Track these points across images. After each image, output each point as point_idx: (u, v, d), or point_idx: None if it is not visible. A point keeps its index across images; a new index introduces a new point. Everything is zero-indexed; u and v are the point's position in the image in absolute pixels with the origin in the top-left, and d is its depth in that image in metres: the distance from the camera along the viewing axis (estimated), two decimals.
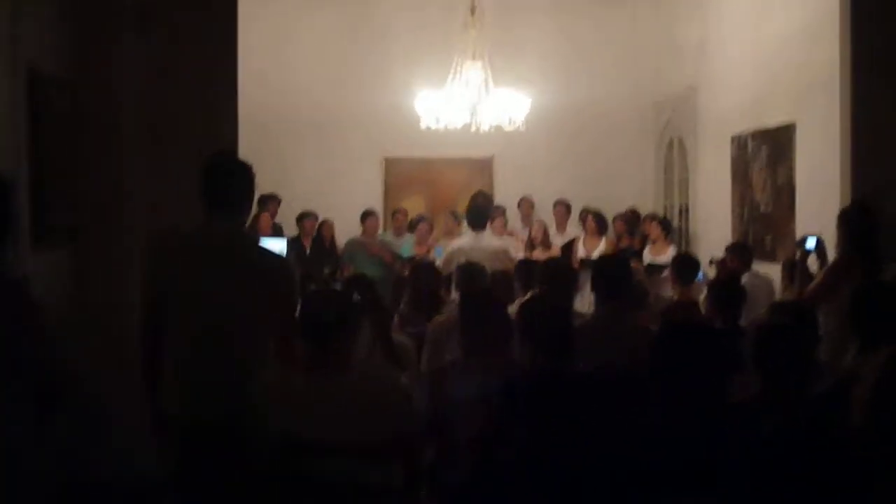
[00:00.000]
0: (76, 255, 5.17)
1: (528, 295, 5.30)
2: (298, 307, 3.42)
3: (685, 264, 6.83)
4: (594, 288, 5.07)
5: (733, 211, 9.56)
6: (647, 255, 9.96)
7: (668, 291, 8.03)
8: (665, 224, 10.33)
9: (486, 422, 3.43)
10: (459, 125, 9.46)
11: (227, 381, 3.55)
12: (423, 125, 9.58)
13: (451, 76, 9.27)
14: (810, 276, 5.79)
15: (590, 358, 4.13)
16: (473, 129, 9.53)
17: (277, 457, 3.20)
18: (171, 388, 3.66)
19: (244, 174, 3.79)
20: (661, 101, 11.49)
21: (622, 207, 11.10)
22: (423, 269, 6.33)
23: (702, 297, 6.10)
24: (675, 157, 11.39)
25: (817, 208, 7.90)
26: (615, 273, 4.96)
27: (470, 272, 6.13)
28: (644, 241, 10.42)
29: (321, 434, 3.16)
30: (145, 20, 5.29)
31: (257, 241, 4.08)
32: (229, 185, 3.74)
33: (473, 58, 9.21)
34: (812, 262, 5.90)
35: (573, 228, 11.16)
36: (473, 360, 4.02)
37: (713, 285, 5.22)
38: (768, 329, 3.21)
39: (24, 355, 3.10)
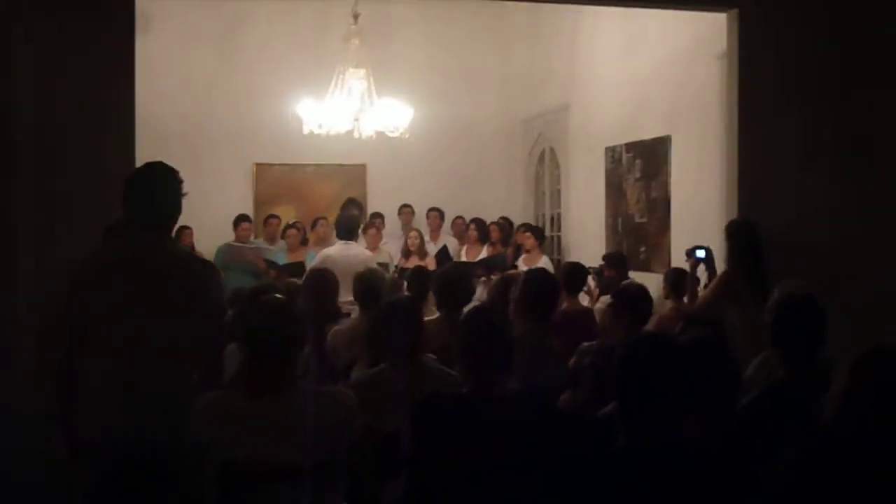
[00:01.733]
0: None
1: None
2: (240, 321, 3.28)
3: (574, 274, 6.94)
4: (521, 301, 5.10)
5: (606, 222, 9.81)
6: (521, 265, 10.11)
7: None
8: (538, 234, 10.51)
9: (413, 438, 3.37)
10: (343, 131, 9.37)
11: (159, 405, 3.38)
12: (305, 130, 9.44)
13: (333, 84, 9.18)
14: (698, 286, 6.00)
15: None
16: (357, 135, 9.47)
17: (218, 485, 3.07)
18: (94, 417, 3.45)
19: (170, 183, 3.62)
20: (531, 119, 11.72)
21: (492, 217, 11.26)
22: (321, 278, 6.20)
23: (595, 305, 6.25)
24: (546, 168, 11.61)
25: (692, 220, 8.23)
26: (548, 289, 5.01)
27: (370, 280, 6.08)
28: (517, 250, 10.59)
29: (267, 458, 3.03)
30: (35, 25, 5.01)
31: (185, 252, 3.87)
32: (154, 196, 3.56)
33: (356, 66, 9.14)
34: (700, 272, 6.11)
35: (445, 236, 11.28)
36: (397, 371, 4.01)
37: (621, 298, 5.31)
38: (705, 345, 3.29)
39: None
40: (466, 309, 5.65)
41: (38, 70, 5.06)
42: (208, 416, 3.12)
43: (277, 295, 3.49)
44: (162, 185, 3.58)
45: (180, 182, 3.63)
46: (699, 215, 8.07)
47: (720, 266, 6.25)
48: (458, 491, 3.15)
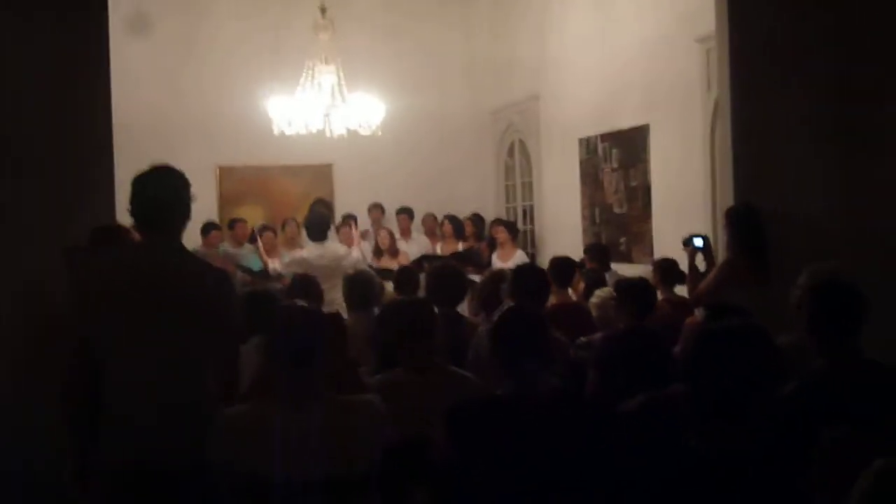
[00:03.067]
0: None
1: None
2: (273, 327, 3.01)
3: (564, 268, 6.78)
4: (513, 296, 4.90)
5: (583, 213, 9.67)
6: (496, 260, 9.94)
7: None
8: (511, 228, 10.36)
9: (447, 446, 3.16)
10: (314, 129, 9.11)
11: (178, 419, 3.16)
12: (275, 130, 9.17)
13: (303, 79, 8.91)
14: (700, 275, 5.86)
15: None
16: (328, 133, 9.21)
17: (245, 502, 2.85)
18: (110, 435, 3.20)
19: (174, 186, 3.36)
20: (500, 109, 11.54)
21: (463, 212, 11.10)
22: (306, 282, 5.98)
23: (590, 300, 6.06)
24: (516, 161, 11.44)
25: (675, 208, 8.11)
26: (538, 280, 4.82)
27: (364, 282, 5.90)
28: (491, 244, 10.42)
29: (299, 472, 2.82)
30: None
31: (194, 257, 3.60)
32: (157, 199, 3.31)
33: (325, 61, 8.89)
34: (699, 262, 5.97)
35: (418, 235, 11.10)
36: (415, 374, 3.80)
37: (625, 290, 5.16)
38: (754, 332, 3.11)
39: None
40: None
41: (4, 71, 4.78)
42: (231, 431, 2.89)
43: (299, 301, 3.25)
44: (165, 188, 3.34)
45: (187, 185, 3.38)
46: (682, 203, 7.97)
47: (717, 253, 6.15)
48: (500, 497, 2.96)
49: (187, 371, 3.23)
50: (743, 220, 5.54)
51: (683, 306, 6.45)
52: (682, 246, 6.04)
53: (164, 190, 3.33)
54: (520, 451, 2.91)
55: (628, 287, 5.16)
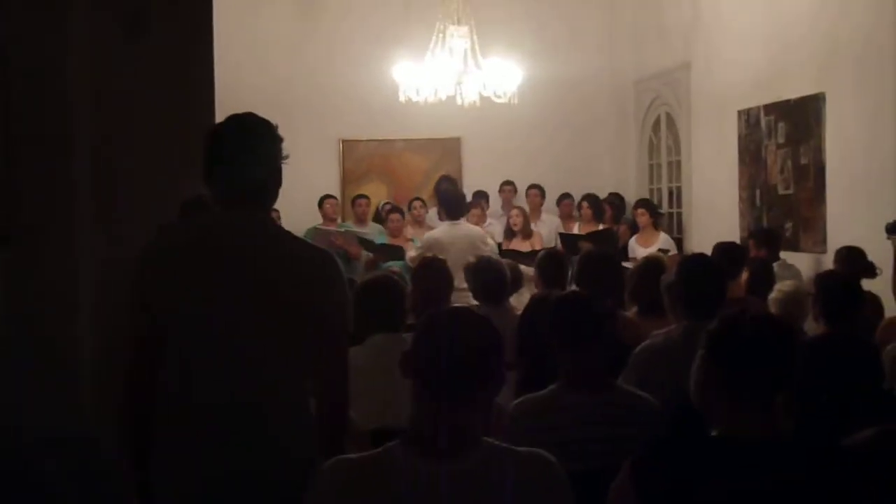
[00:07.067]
0: (11, 268, 3.89)
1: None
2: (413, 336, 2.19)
3: (731, 255, 5.92)
4: (678, 293, 3.99)
5: (740, 195, 8.64)
6: (636, 245, 9.03)
7: None
8: (652, 210, 9.39)
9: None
10: (444, 97, 8.34)
11: (266, 448, 2.43)
12: (402, 97, 8.44)
13: (433, 43, 8.15)
14: None
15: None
16: (459, 101, 8.44)
17: None
18: (174, 465, 2.48)
19: (264, 141, 2.57)
20: (644, 80, 10.50)
21: (600, 193, 10.20)
22: (432, 269, 5.15)
23: (774, 294, 5.12)
24: (662, 137, 10.41)
25: (854, 189, 7.06)
26: (715, 277, 3.91)
27: (487, 270, 5.12)
28: (633, 228, 9.50)
29: None
30: None
31: (289, 236, 2.76)
32: (243, 161, 2.52)
33: (457, 23, 8.09)
34: None
35: (547, 215, 10.25)
36: (579, 394, 2.95)
37: (830, 287, 4.20)
38: None
39: None
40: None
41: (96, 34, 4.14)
42: (348, 484, 2.05)
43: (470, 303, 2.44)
44: (248, 147, 2.54)
45: (276, 139, 2.59)
46: (865, 184, 6.89)
47: None
48: None
49: (277, 383, 2.48)
50: None
51: (875, 303, 5.49)
52: (885, 234, 5.09)
53: (246, 150, 2.54)
54: None
55: (835, 283, 4.20)
